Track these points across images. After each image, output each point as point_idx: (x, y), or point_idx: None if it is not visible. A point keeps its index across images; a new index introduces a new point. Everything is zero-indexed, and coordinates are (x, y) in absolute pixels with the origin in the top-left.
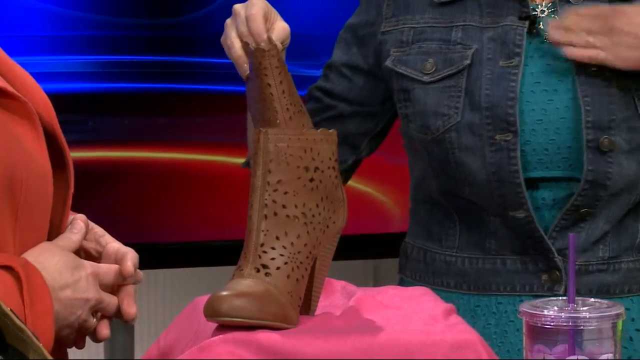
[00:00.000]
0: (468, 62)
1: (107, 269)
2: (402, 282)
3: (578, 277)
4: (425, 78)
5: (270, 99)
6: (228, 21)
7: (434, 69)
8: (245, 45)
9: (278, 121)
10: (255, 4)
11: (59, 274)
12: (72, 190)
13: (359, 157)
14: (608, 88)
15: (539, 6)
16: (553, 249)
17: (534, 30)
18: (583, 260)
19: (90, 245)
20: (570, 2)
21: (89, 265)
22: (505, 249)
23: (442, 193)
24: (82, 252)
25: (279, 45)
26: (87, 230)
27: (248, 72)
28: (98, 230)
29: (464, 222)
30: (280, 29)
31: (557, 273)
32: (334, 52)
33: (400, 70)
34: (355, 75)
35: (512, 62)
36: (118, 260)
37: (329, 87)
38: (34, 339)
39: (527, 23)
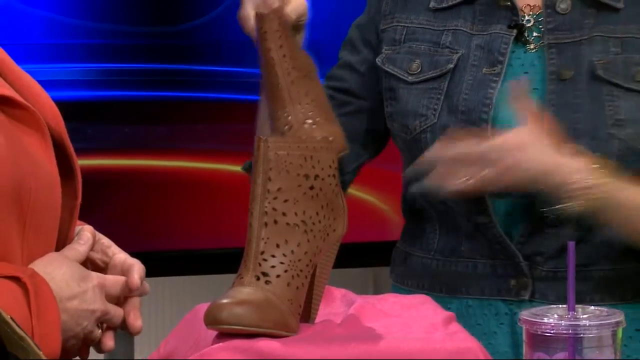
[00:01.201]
0: (452, 66)
1: (114, 281)
2: (392, 286)
3: (547, 283)
4: (410, 78)
5: (272, 63)
6: None
7: (419, 70)
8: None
9: (280, 85)
10: None
11: (66, 284)
12: (79, 199)
13: (366, 158)
14: (576, 98)
15: (527, 15)
16: (519, 254)
17: (523, 39)
18: (551, 266)
19: (96, 256)
20: (557, 11)
21: (95, 276)
22: (476, 252)
23: (423, 195)
24: (88, 263)
25: (291, 17)
26: (94, 241)
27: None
28: (105, 241)
29: (443, 225)
30: (297, 3)
31: (524, 279)
32: (342, 53)
33: (388, 69)
34: (366, 71)
35: (494, 70)
36: (124, 271)
37: (339, 85)
38: (35, 348)
39: (514, 32)
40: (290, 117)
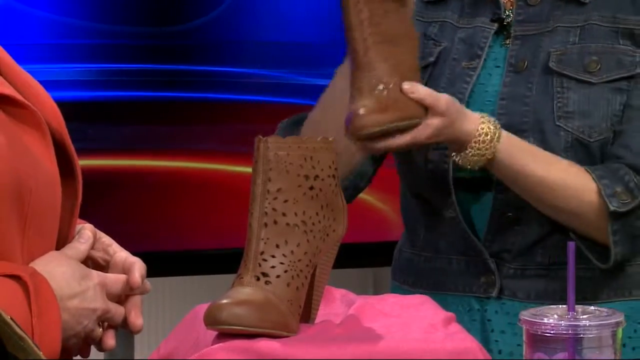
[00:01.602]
0: (432, 59)
1: (115, 279)
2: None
3: (514, 281)
4: None
5: (350, 27)
6: None
7: None
8: None
9: (357, 50)
10: None
11: (66, 283)
12: (80, 199)
13: (378, 165)
14: (528, 90)
15: (507, 10)
16: (486, 251)
17: (505, 33)
18: (519, 264)
19: (97, 255)
20: (527, 3)
21: (96, 275)
22: (452, 250)
23: (410, 192)
24: (89, 262)
25: None
26: (95, 240)
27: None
28: (106, 239)
29: (426, 220)
30: None
31: (492, 276)
32: None
33: None
34: None
35: (472, 64)
36: (125, 270)
37: None
38: (35, 348)
39: (495, 25)
40: (362, 83)
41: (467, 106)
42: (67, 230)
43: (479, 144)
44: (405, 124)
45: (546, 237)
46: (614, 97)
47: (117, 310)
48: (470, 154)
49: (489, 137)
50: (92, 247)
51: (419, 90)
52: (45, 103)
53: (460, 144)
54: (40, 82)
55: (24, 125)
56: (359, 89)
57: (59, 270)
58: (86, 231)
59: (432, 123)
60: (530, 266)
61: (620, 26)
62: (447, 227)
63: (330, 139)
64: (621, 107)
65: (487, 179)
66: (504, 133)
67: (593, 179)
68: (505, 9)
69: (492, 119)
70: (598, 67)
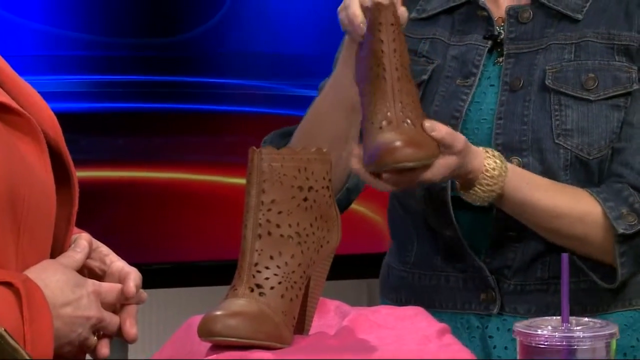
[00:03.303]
0: (426, 77)
1: (109, 288)
2: (380, 299)
3: (515, 297)
4: None
5: (380, 55)
6: None
7: None
8: (363, 6)
9: (385, 79)
10: None
11: (60, 291)
12: (76, 208)
13: None
14: (525, 109)
15: (498, 27)
16: (485, 268)
17: (499, 50)
18: (519, 280)
19: (95, 264)
20: (518, 21)
21: (91, 283)
22: (449, 266)
23: (402, 207)
24: (85, 270)
25: (404, 14)
26: (91, 249)
27: (364, 31)
28: (104, 249)
29: (419, 237)
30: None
31: (492, 292)
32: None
33: None
34: None
35: (467, 82)
36: (121, 279)
37: None
38: (26, 356)
39: (489, 43)
40: (389, 113)
41: (463, 124)
42: (63, 239)
43: (487, 180)
44: (429, 162)
45: (546, 252)
46: (612, 114)
47: (112, 319)
48: (480, 190)
49: (496, 172)
50: (89, 257)
51: (440, 129)
52: (43, 112)
53: (468, 181)
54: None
55: (19, 133)
56: (388, 120)
57: (52, 278)
58: (82, 240)
59: (449, 162)
60: (530, 281)
61: (615, 42)
62: (443, 244)
63: (324, 150)
64: (619, 124)
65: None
66: (509, 166)
67: (598, 202)
68: (496, 26)
69: (496, 153)
70: (595, 84)
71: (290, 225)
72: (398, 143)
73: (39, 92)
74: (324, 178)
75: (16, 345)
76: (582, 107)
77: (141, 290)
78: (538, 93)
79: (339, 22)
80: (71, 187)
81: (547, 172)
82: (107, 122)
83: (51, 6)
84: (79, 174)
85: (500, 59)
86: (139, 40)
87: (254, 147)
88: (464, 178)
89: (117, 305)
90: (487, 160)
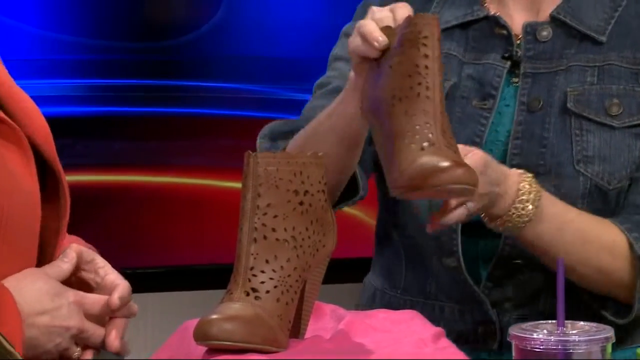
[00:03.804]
0: None
1: (93, 300)
2: None
3: None
4: None
5: (425, 72)
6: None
7: None
8: (385, 26)
9: (429, 98)
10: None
11: (36, 300)
12: (66, 219)
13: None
14: (544, 131)
15: (515, 46)
16: (487, 300)
17: (516, 71)
18: (520, 313)
19: (89, 276)
20: (537, 39)
21: (73, 293)
22: (444, 294)
23: (394, 226)
24: (72, 280)
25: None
26: (82, 260)
27: (382, 45)
28: (99, 261)
29: (411, 261)
30: None
31: (492, 326)
32: (336, 63)
33: None
34: None
35: (485, 104)
36: (111, 291)
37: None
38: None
39: (508, 63)
40: (431, 135)
41: (484, 150)
42: (52, 249)
43: (523, 204)
44: (476, 187)
45: (550, 285)
46: (634, 143)
47: (96, 331)
48: (515, 215)
49: (532, 195)
50: (84, 269)
51: (474, 157)
52: (34, 121)
53: (499, 207)
54: (30, 97)
55: (3, 141)
56: (430, 141)
57: (31, 286)
58: (71, 251)
59: (481, 187)
60: (533, 315)
61: None
62: (438, 270)
63: (320, 154)
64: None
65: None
66: (544, 194)
67: (622, 232)
68: (518, 44)
69: (529, 176)
70: (620, 111)
71: (285, 229)
72: (447, 164)
73: (34, 96)
74: (319, 182)
75: (11, 349)
76: (605, 133)
77: (132, 304)
78: (558, 116)
79: (333, 25)
80: (62, 198)
81: (564, 199)
82: (103, 125)
83: (47, 10)
84: (74, 177)
85: (516, 79)
86: (134, 44)
87: (250, 151)
88: (495, 203)
89: (106, 318)
90: (521, 184)
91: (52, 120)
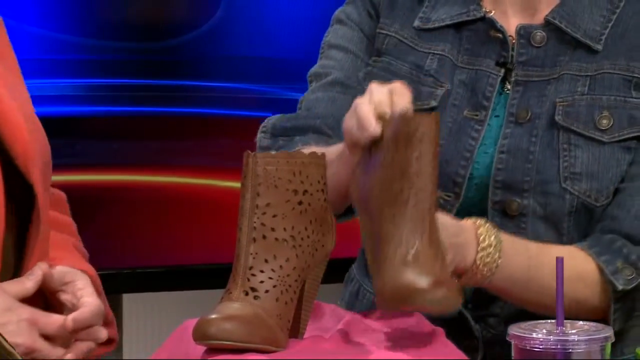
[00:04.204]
0: (435, 104)
1: (49, 320)
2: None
3: (500, 348)
4: None
5: (416, 175)
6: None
7: None
8: (392, 113)
9: (417, 206)
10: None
11: None
12: (42, 235)
13: None
14: (531, 144)
15: (513, 49)
16: (469, 316)
17: (510, 78)
18: (503, 329)
19: (67, 297)
20: (530, 43)
21: (28, 311)
22: None
23: None
24: (40, 301)
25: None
26: (55, 281)
27: (374, 135)
28: (79, 282)
29: None
30: None
31: (475, 341)
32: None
33: (366, 87)
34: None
35: (476, 115)
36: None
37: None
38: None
39: (502, 71)
40: (418, 244)
41: (473, 165)
42: (16, 265)
43: (485, 251)
44: (457, 308)
45: None
46: (623, 157)
47: (49, 352)
48: (480, 265)
49: (492, 240)
50: (63, 289)
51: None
52: (17, 135)
53: (467, 258)
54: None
55: None
56: (415, 254)
57: None
58: (37, 269)
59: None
60: None
61: (635, 75)
62: None
63: (319, 153)
64: (627, 167)
65: None
66: (504, 236)
67: (590, 256)
68: (512, 48)
69: (483, 221)
70: (610, 125)
71: (285, 229)
72: (428, 284)
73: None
74: (318, 182)
75: (11, 349)
76: (594, 148)
77: (98, 329)
78: (546, 129)
79: (327, 25)
80: (38, 219)
81: (550, 217)
82: (103, 125)
83: (46, 10)
84: (75, 177)
85: (509, 86)
86: (133, 44)
87: (249, 151)
88: (462, 254)
89: (72, 340)
90: (478, 231)
91: (52, 119)
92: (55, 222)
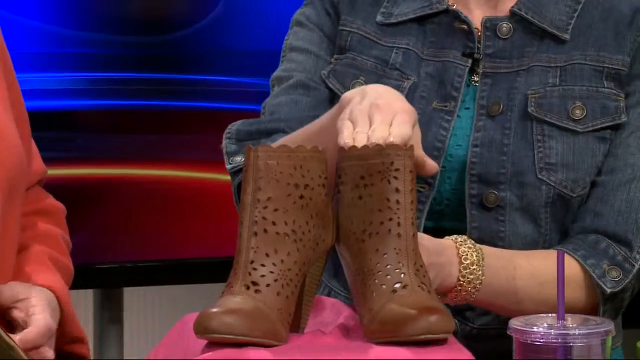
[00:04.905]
0: (403, 94)
1: None
2: None
3: (477, 342)
4: None
5: (396, 207)
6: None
7: None
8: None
9: (400, 235)
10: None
11: None
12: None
13: None
14: (504, 137)
15: (479, 42)
16: (447, 308)
17: (477, 69)
18: (481, 323)
19: (19, 315)
20: (497, 35)
21: None
22: None
23: None
24: (9, 319)
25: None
26: (10, 298)
27: (343, 144)
28: (33, 299)
29: None
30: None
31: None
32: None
33: (330, 85)
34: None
35: (446, 106)
36: None
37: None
38: (24, 357)
39: (469, 61)
40: (403, 275)
41: (445, 154)
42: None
43: (469, 269)
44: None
45: None
46: (598, 148)
47: None
48: (464, 282)
49: (475, 257)
50: (16, 307)
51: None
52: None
53: (450, 277)
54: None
55: None
56: (402, 283)
57: None
58: None
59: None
60: (493, 325)
61: (605, 66)
62: None
63: (320, 148)
64: (604, 158)
65: (452, 228)
66: (485, 250)
67: (575, 259)
68: (479, 40)
69: (464, 238)
70: (583, 114)
71: (286, 223)
72: (417, 312)
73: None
74: (319, 176)
75: (13, 344)
76: (568, 138)
77: (44, 350)
78: (519, 121)
79: None
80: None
81: (527, 208)
82: (103, 119)
83: (45, 3)
84: (75, 171)
85: (476, 78)
86: (135, 37)
87: (250, 145)
88: (444, 273)
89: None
90: (460, 249)
91: (52, 113)
92: (43, 235)
